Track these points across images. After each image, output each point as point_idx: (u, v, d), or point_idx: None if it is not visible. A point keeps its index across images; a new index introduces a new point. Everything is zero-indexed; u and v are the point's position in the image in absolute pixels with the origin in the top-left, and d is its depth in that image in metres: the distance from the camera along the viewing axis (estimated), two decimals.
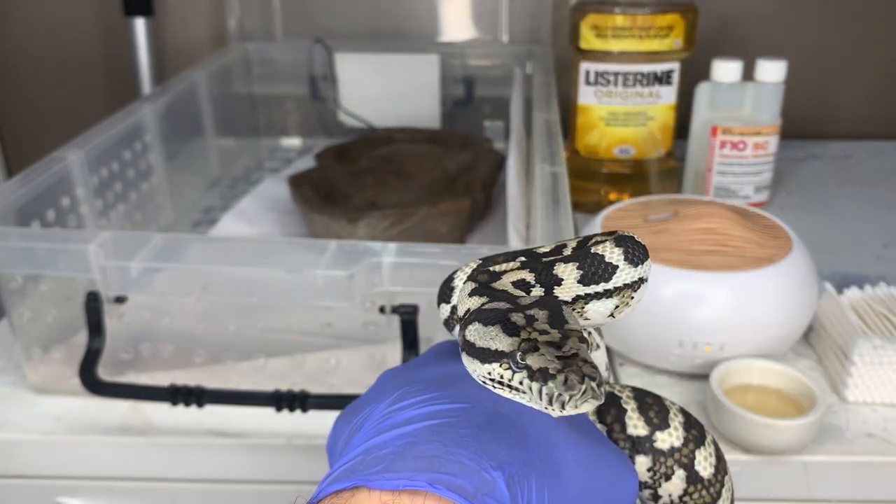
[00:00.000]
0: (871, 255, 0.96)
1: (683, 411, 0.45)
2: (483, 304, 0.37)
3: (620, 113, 1.02)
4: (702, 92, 1.03)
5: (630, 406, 0.44)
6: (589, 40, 0.99)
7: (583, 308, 0.40)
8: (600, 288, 0.39)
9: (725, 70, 1.01)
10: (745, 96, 1.02)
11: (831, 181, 1.19)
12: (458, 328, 0.39)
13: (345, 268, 0.58)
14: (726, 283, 0.69)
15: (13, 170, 1.40)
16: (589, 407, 0.32)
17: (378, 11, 1.30)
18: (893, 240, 1.00)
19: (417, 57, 1.23)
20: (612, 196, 1.06)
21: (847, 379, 0.70)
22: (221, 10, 1.31)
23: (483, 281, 0.40)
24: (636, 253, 0.39)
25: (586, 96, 1.03)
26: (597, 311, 0.40)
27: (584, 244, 0.41)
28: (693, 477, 0.44)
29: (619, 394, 0.44)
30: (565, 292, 0.39)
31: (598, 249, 0.39)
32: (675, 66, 1.00)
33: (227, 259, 0.61)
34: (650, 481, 0.44)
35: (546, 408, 0.32)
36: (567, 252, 0.41)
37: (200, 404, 0.65)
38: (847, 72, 1.34)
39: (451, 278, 0.43)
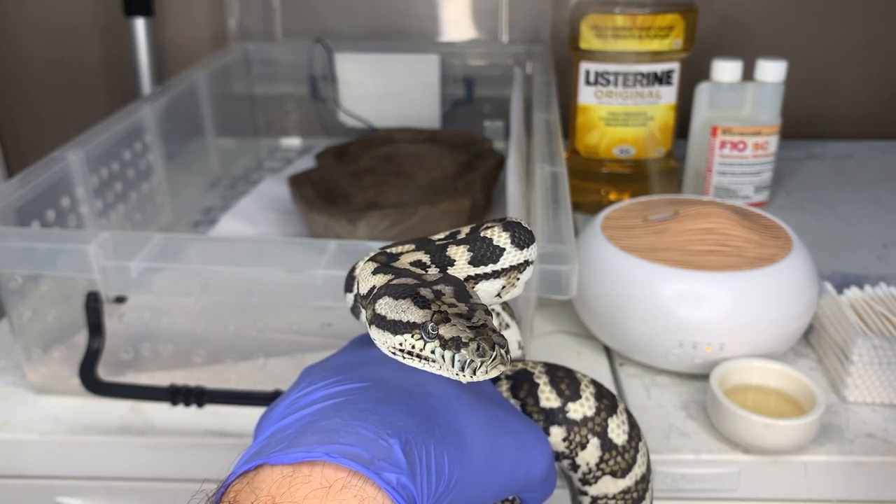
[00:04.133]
0: (871, 255, 0.96)
1: (595, 382, 0.47)
2: (390, 281, 0.39)
3: (620, 113, 1.02)
4: (702, 92, 1.03)
5: (542, 380, 0.46)
6: (589, 40, 0.99)
7: (472, 287, 0.42)
8: (489, 269, 0.42)
9: (725, 70, 1.01)
10: (746, 96, 1.02)
11: (831, 181, 1.19)
12: (363, 313, 0.40)
13: (345, 268, 0.58)
14: (726, 283, 0.69)
15: (13, 170, 1.40)
16: (497, 372, 0.34)
17: (378, 11, 1.30)
18: (893, 240, 1.00)
19: (417, 57, 1.23)
20: (612, 196, 1.06)
21: (846, 379, 0.70)
22: (221, 10, 1.31)
23: (383, 261, 0.42)
24: (522, 237, 0.42)
25: (586, 96, 1.03)
26: (485, 290, 0.42)
27: (476, 229, 0.43)
28: (607, 444, 0.46)
29: (531, 369, 0.47)
30: (457, 272, 0.42)
31: (488, 233, 0.42)
32: (675, 66, 1.00)
33: (226, 259, 0.61)
34: (567, 451, 0.46)
35: (458, 374, 0.34)
36: (461, 236, 0.43)
37: (200, 404, 0.64)
38: (847, 72, 1.34)
39: (353, 268, 0.44)
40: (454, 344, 0.34)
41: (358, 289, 0.42)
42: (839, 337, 0.71)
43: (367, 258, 0.43)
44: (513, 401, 0.46)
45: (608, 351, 0.79)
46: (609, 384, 0.74)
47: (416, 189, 0.99)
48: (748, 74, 1.02)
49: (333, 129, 1.28)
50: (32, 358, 0.72)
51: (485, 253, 0.42)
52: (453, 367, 0.34)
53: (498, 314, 0.48)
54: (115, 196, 0.88)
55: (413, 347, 0.36)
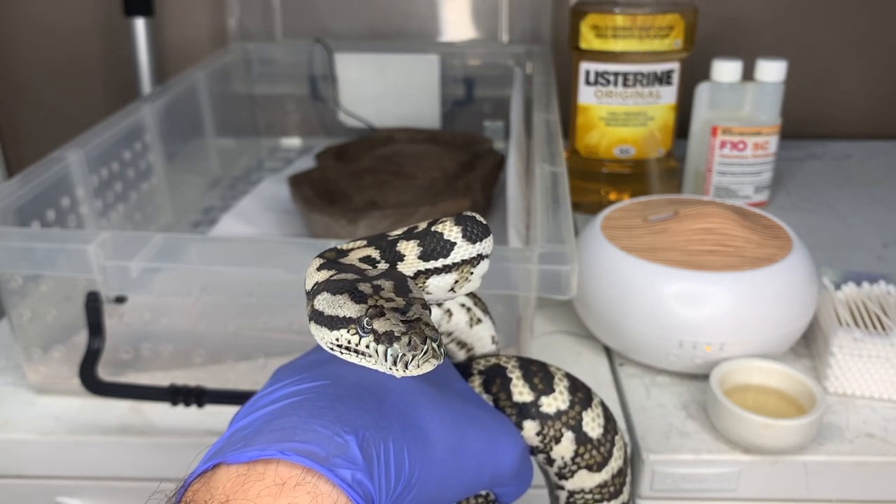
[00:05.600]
0: (871, 255, 0.96)
1: (569, 376, 0.47)
2: (331, 277, 0.39)
3: (620, 113, 1.02)
4: (702, 92, 1.03)
5: (515, 374, 0.46)
6: (589, 40, 0.99)
7: (424, 282, 0.42)
8: (439, 263, 0.41)
9: (725, 70, 1.01)
10: (745, 96, 1.02)
11: (831, 181, 1.19)
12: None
13: None
14: (726, 283, 0.69)
15: (13, 170, 1.40)
16: (430, 367, 0.34)
17: (378, 11, 1.30)
18: (893, 239, 1.00)
19: (417, 57, 1.23)
20: (612, 196, 1.06)
21: (826, 370, 0.71)
22: (221, 10, 1.31)
23: (331, 257, 0.41)
24: (475, 231, 0.41)
25: (586, 96, 1.02)
26: (437, 285, 0.42)
27: (431, 224, 0.43)
28: (582, 438, 0.46)
29: (504, 364, 0.46)
30: (407, 267, 0.41)
31: (438, 228, 0.41)
32: (675, 66, 1.00)
33: (226, 259, 0.61)
34: (541, 445, 0.46)
35: (391, 368, 0.34)
36: (417, 231, 0.43)
37: (200, 404, 0.64)
38: (847, 71, 1.34)
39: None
40: (387, 338, 0.34)
41: (305, 285, 0.42)
42: (826, 329, 0.72)
43: (316, 255, 0.43)
44: (485, 396, 0.46)
45: (608, 351, 0.79)
46: (609, 384, 0.75)
47: (417, 189, 0.99)
48: (748, 74, 1.02)
49: (333, 129, 1.28)
50: (32, 358, 0.72)
51: (434, 247, 0.41)
52: (386, 361, 0.34)
53: (469, 309, 0.48)
54: (115, 196, 0.88)
55: (349, 342, 0.35)
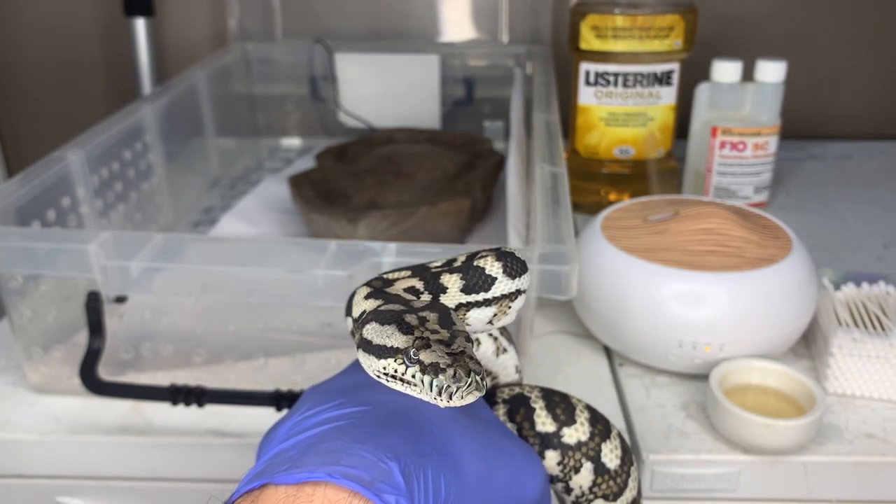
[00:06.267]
0: (871, 256, 0.96)
1: (589, 408, 0.49)
2: (378, 306, 0.40)
3: (620, 113, 1.02)
4: (702, 92, 1.03)
5: (538, 405, 0.47)
6: (589, 41, 0.99)
7: (465, 315, 0.43)
8: (480, 297, 0.43)
9: (725, 70, 1.01)
10: (745, 97, 1.02)
11: (831, 181, 1.19)
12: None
13: (345, 268, 0.58)
14: (726, 283, 0.69)
15: (13, 170, 1.40)
16: (472, 398, 0.35)
17: (378, 11, 1.30)
18: (893, 240, 1.00)
19: (417, 57, 1.23)
20: (612, 196, 1.07)
21: (826, 370, 0.71)
22: (222, 10, 1.31)
23: (377, 286, 0.43)
24: (514, 267, 0.44)
25: (586, 97, 1.03)
26: (477, 317, 0.44)
27: (472, 258, 0.45)
28: (600, 468, 0.47)
29: (528, 394, 0.48)
30: (450, 300, 0.43)
31: (480, 263, 0.43)
32: (675, 66, 1.00)
33: (226, 259, 0.61)
34: (561, 475, 0.47)
35: (435, 399, 0.35)
36: (457, 265, 0.45)
37: (200, 404, 0.65)
38: (847, 72, 1.34)
39: (354, 293, 0.45)
40: (433, 369, 0.35)
41: (352, 313, 0.43)
42: (826, 330, 0.72)
43: (363, 283, 0.44)
44: (509, 424, 0.47)
45: (608, 351, 0.79)
46: (609, 384, 0.75)
47: (417, 189, 0.99)
48: (748, 75, 1.02)
49: (334, 129, 1.28)
50: (33, 358, 0.72)
51: (477, 282, 0.43)
52: (431, 391, 0.35)
53: (496, 339, 0.49)
54: (115, 196, 0.88)
55: (396, 371, 0.37)
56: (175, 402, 0.65)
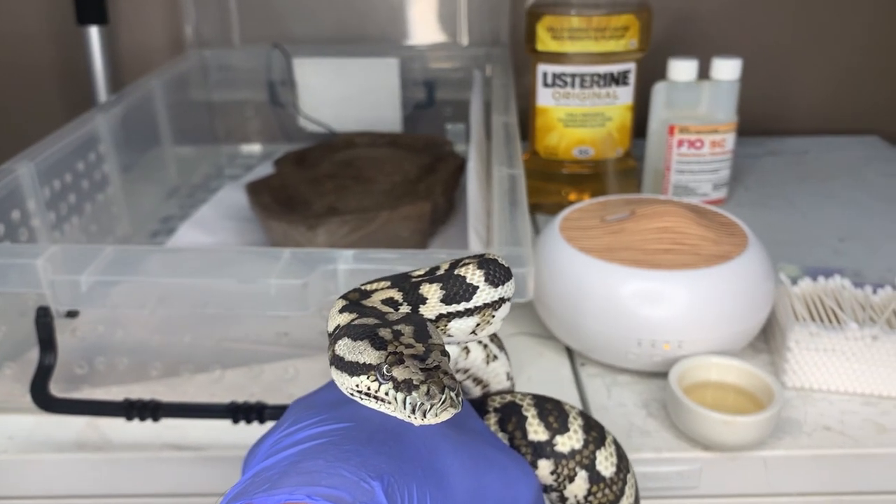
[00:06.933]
0: (828, 250, 0.97)
1: (583, 414, 0.48)
2: (352, 321, 0.39)
3: (578, 114, 1.03)
4: (658, 91, 1.04)
5: (530, 413, 0.46)
6: (545, 42, 0.99)
7: (446, 325, 0.42)
8: (461, 307, 0.42)
9: (681, 69, 1.02)
10: (702, 95, 1.03)
11: (789, 177, 1.20)
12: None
13: (299, 276, 0.58)
14: (682, 281, 0.70)
15: None
16: (447, 415, 0.34)
17: (337, 15, 1.30)
18: (849, 234, 1.02)
19: (376, 61, 1.23)
20: (573, 197, 1.07)
21: (784, 365, 0.71)
22: (177, 17, 1.29)
23: (353, 299, 0.42)
24: (497, 274, 0.42)
25: (544, 98, 1.03)
26: (459, 328, 0.42)
27: (454, 266, 0.43)
28: (595, 477, 0.46)
29: (519, 402, 0.47)
30: (429, 310, 0.42)
31: (461, 271, 0.42)
32: (631, 66, 1.01)
33: (179, 270, 0.60)
34: (555, 484, 0.46)
35: (409, 416, 0.34)
36: (439, 273, 0.43)
37: (156, 418, 0.63)
38: (801, 68, 1.36)
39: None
40: (405, 386, 0.34)
41: (327, 327, 0.42)
42: (783, 325, 0.73)
43: (340, 295, 0.43)
44: (501, 434, 0.46)
45: (570, 352, 0.79)
46: (570, 385, 0.75)
47: (377, 194, 0.99)
48: (704, 73, 1.03)
49: (294, 134, 1.27)
50: None
51: (457, 291, 0.42)
52: (405, 409, 0.34)
53: (486, 346, 0.48)
54: (68, 208, 0.87)
55: (369, 389, 0.36)
56: (130, 418, 0.63)
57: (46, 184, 0.82)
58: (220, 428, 0.66)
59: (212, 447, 0.66)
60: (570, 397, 0.72)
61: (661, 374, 0.74)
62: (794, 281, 0.79)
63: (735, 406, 0.67)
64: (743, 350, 0.76)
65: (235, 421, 0.63)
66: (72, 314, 0.67)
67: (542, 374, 0.76)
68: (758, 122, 1.33)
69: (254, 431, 0.66)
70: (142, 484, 0.68)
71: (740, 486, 0.67)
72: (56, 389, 0.66)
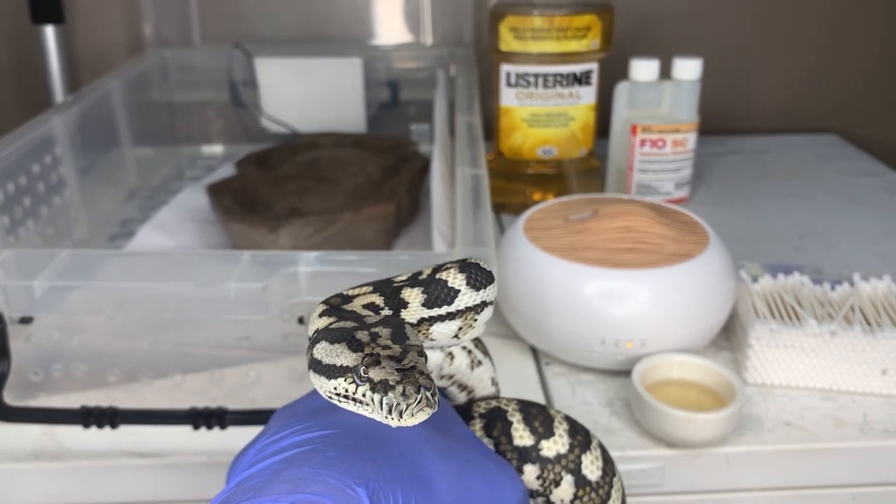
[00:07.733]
0: (788, 247, 0.99)
1: (568, 419, 0.48)
2: (330, 324, 0.39)
3: (542, 114, 1.03)
4: (621, 91, 1.04)
5: (515, 418, 0.46)
6: (508, 42, 0.99)
7: (428, 329, 0.42)
8: (443, 311, 0.42)
9: (643, 69, 1.02)
10: (663, 94, 1.04)
11: (750, 175, 1.22)
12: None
13: (259, 279, 0.57)
14: (645, 280, 0.70)
15: None
16: (424, 416, 0.34)
17: (300, 16, 1.29)
18: (808, 231, 1.03)
19: (340, 61, 1.22)
20: (537, 196, 1.07)
21: (745, 362, 0.72)
22: (136, 15, 1.27)
23: (335, 304, 0.42)
24: (479, 278, 0.42)
25: (508, 98, 1.03)
26: (441, 332, 0.42)
27: (436, 270, 0.43)
28: (581, 481, 0.46)
29: (504, 407, 0.47)
30: (411, 315, 0.42)
31: (443, 275, 0.42)
32: (593, 66, 1.01)
33: (137, 274, 0.59)
34: (541, 489, 0.46)
35: (386, 417, 0.34)
36: (421, 277, 0.43)
37: (114, 425, 0.62)
38: (761, 68, 1.38)
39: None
40: (382, 387, 0.34)
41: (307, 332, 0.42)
42: (745, 322, 0.73)
43: (321, 301, 0.43)
44: (486, 440, 0.46)
45: (534, 351, 0.79)
46: (535, 384, 0.75)
47: (341, 195, 0.98)
48: (665, 73, 1.03)
49: (257, 135, 1.26)
50: None
51: (439, 295, 0.42)
52: (382, 410, 0.34)
53: (470, 352, 0.48)
54: (23, 211, 0.85)
55: (347, 391, 0.35)
56: (87, 425, 0.62)
57: (0, 187, 0.80)
58: (181, 434, 0.65)
59: (172, 454, 0.65)
60: (535, 397, 0.73)
61: (624, 373, 0.74)
62: (755, 279, 0.79)
63: (697, 403, 0.68)
64: (705, 348, 0.77)
65: (196, 427, 0.62)
66: (26, 320, 0.66)
67: (507, 373, 0.76)
68: (719, 121, 1.35)
69: (216, 437, 0.65)
70: (101, 493, 0.66)
71: (704, 482, 0.67)
72: (10, 397, 0.65)
